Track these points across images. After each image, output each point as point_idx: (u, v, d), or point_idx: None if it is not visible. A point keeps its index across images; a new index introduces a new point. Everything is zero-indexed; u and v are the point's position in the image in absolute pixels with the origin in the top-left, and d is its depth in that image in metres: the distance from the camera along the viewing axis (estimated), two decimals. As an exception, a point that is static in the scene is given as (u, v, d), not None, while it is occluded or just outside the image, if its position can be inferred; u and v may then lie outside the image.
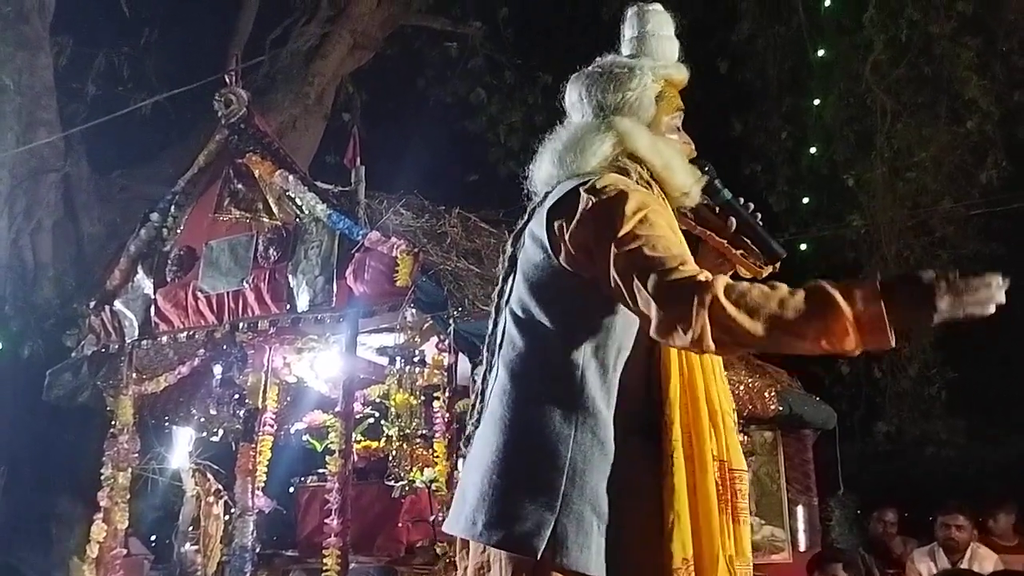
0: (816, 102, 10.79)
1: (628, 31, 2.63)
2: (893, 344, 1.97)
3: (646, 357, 2.33)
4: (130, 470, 7.33)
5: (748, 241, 2.55)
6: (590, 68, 2.61)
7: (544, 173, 2.52)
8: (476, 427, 2.49)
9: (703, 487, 2.25)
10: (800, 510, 7.89)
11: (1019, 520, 7.37)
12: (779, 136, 11.38)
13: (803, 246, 11.27)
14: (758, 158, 11.68)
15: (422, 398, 6.92)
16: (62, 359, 7.86)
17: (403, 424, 6.91)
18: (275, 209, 6.61)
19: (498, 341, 2.50)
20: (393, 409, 6.99)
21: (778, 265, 2.62)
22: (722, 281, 2.06)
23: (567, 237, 2.29)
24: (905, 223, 11.02)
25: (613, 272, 2.20)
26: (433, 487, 6.28)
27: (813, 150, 11.06)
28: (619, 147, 2.44)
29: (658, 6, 2.64)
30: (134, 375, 7.39)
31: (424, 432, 6.89)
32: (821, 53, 10.56)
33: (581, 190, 2.32)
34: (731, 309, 2.01)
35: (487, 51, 12.29)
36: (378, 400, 7.47)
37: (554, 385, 2.30)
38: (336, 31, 10.75)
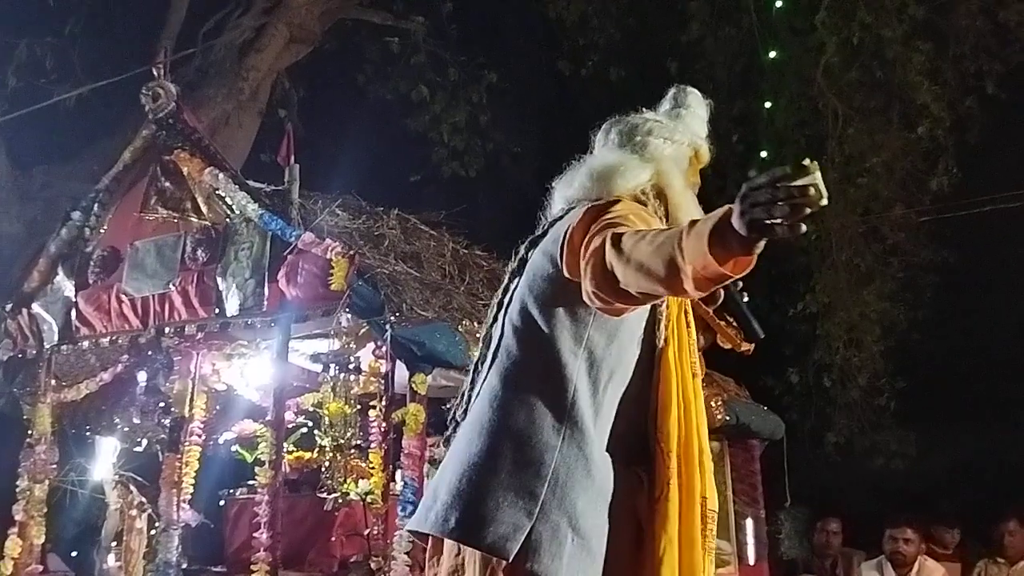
0: (767, 105, 10.80)
1: (666, 105, 2.85)
2: (740, 270, 1.88)
3: (643, 385, 2.43)
4: (47, 482, 7.37)
5: (731, 317, 2.64)
6: (628, 117, 2.79)
7: (574, 191, 2.62)
8: (463, 418, 2.57)
9: (688, 519, 2.36)
10: (748, 523, 7.91)
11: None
12: (729, 139, 11.32)
13: (753, 252, 11.22)
14: (708, 162, 11.59)
15: (357, 407, 6.79)
16: (-24, 365, 7.74)
17: (337, 434, 6.80)
18: (204, 209, 6.64)
19: (494, 339, 2.58)
20: (327, 418, 6.87)
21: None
22: (617, 233, 2.16)
23: (571, 242, 2.36)
24: (856, 229, 11.21)
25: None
26: (368, 499, 6.21)
27: (764, 154, 11.01)
28: (653, 179, 2.60)
29: (696, 90, 2.88)
30: (53, 382, 7.37)
31: (359, 442, 6.81)
32: (772, 55, 10.55)
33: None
34: (610, 255, 2.11)
35: (430, 47, 12.20)
36: (311, 409, 7.35)
37: (545, 395, 2.37)
38: (272, 24, 10.65)
